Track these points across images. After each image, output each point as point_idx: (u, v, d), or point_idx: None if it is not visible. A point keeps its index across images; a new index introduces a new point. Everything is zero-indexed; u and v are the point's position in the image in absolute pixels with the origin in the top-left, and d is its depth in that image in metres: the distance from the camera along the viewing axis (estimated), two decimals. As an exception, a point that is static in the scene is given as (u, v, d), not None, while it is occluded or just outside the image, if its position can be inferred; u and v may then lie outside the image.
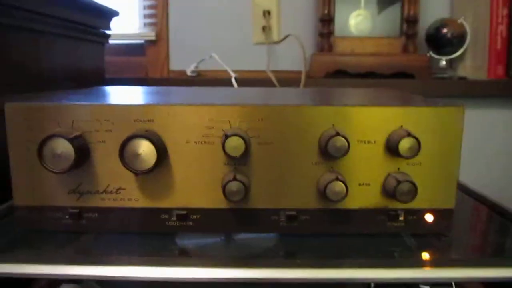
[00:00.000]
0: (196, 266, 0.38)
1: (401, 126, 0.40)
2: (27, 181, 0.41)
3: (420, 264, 0.40)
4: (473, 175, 0.74)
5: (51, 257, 0.39)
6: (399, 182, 0.39)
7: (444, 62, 1.20)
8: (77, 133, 0.39)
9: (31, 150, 0.39)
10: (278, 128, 0.40)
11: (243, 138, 0.37)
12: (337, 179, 0.38)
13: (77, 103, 0.40)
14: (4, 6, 0.56)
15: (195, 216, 0.41)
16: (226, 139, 0.37)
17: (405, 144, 0.38)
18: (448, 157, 0.41)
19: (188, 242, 0.43)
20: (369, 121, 0.40)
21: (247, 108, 0.39)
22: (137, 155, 0.38)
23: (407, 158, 0.39)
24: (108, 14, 0.87)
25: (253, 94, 0.57)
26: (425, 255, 0.41)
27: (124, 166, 0.38)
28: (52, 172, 0.38)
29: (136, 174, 0.39)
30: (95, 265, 0.38)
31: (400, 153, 0.39)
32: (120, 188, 0.41)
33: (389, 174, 0.41)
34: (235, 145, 0.37)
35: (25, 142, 0.40)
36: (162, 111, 0.39)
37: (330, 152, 0.38)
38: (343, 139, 0.38)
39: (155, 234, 0.43)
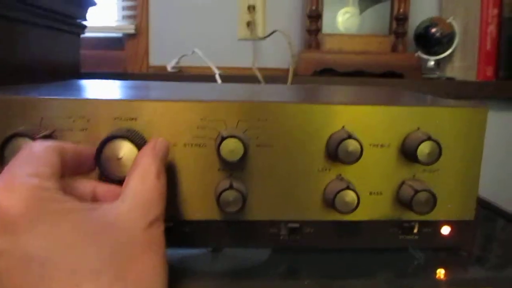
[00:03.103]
0: (183, 283, 0.33)
1: (418, 128, 0.36)
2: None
3: (439, 284, 0.36)
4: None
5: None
6: (416, 191, 0.35)
7: (432, 62, 1.17)
8: (45, 132, 0.33)
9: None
10: (280, 129, 0.35)
11: (241, 141, 0.32)
12: (347, 188, 0.34)
13: (47, 97, 0.34)
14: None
15: (184, 229, 0.36)
16: (222, 141, 0.32)
17: (424, 149, 0.34)
18: (468, 163, 0.37)
19: (171, 253, 0.37)
20: (383, 123, 0.35)
21: (246, 105, 0.34)
22: (117, 160, 0.32)
23: (425, 164, 0.35)
24: (84, 3, 0.81)
25: (246, 90, 0.52)
26: (441, 273, 0.37)
27: (102, 172, 0.32)
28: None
29: (115, 181, 0.33)
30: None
31: (418, 159, 0.34)
32: (96, 197, 0.35)
33: (404, 182, 0.36)
34: (232, 148, 0.32)
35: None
36: (147, 108, 0.34)
37: (340, 157, 0.34)
38: (356, 142, 0.33)
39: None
